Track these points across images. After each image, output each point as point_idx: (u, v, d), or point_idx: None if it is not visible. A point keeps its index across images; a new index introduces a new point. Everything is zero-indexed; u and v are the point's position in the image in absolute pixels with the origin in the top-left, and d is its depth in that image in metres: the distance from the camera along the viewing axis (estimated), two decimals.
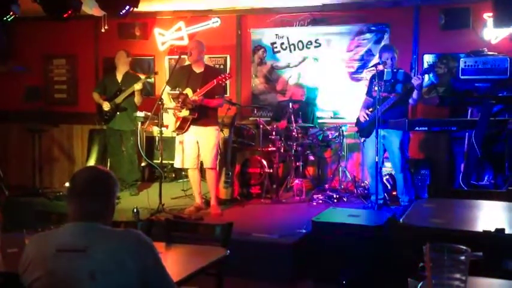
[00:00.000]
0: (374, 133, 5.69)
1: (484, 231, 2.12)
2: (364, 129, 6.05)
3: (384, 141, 5.95)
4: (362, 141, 6.16)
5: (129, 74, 7.12)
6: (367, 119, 6.00)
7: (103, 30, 6.89)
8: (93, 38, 8.53)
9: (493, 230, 2.11)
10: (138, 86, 6.83)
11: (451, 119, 6.09)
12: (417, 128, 5.19)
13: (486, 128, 5.08)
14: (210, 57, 8.00)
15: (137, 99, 6.97)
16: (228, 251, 2.92)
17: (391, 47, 6.21)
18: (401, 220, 2.42)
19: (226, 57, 8.07)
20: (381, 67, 5.90)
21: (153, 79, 8.16)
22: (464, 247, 1.56)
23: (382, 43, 7.10)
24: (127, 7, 4.89)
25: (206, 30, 7.96)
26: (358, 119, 6.25)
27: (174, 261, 2.79)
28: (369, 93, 6.21)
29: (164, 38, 8.19)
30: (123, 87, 6.97)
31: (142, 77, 7.12)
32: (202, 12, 8.00)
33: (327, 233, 4.67)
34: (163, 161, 6.64)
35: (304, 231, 5.13)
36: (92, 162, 8.24)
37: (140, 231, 2.27)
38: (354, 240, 4.52)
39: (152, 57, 8.38)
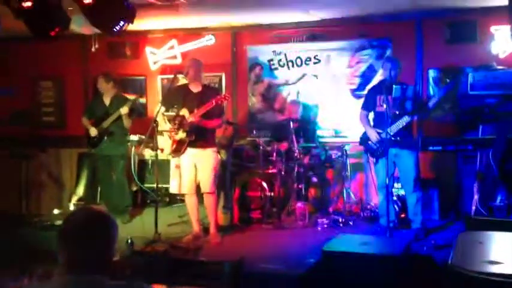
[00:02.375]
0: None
1: None
2: (376, 150, 5.68)
3: (395, 159, 5.61)
4: (374, 161, 5.78)
5: (117, 97, 6.69)
6: (379, 138, 5.64)
7: (93, 50, 6.55)
8: (81, 58, 8.20)
9: None
10: (124, 111, 6.40)
11: (467, 137, 5.76)
12: (431, 148, 4.85)
13: (504, 146, 4.77)
14: (204, 76, 7.64)
15: (126, 122, 6.56)
16: None
17: (393, 58, 5.93)
18: (452, 262, 2.07)
19: (221, 76, 7.76)
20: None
21: (144, 99, 7.82)
22: None
23: None
24: (121, 23, 4.52)
25: (200, 48, 7.67)
26: (364, 138, 5.89)
27: None
28: (368, 107, 5.87)
29: (156, 57, 7.87)
30: (110, 110, 6.59)
31: (131, 97, 6.75)
32: (196, 29, 7.71)
33: (339, 264, 4.28)
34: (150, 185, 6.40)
35: (312, 260, 4.75)
36: (81, 187, 7.89)
37: (144, 284, 1.89)
38: (369, 271, 4.15)
39: (144, 77, 8.05)
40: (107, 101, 6.70)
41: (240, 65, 7.69)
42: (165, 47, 7.80)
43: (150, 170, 7.49)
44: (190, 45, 7.69)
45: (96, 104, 6.81)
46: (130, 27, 7.55)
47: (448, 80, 6.60)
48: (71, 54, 8.18)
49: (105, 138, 6.61)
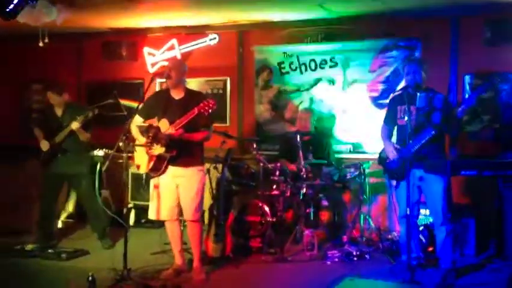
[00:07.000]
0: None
1: None
2: (394, 170, 4.67)
3: (421, 183, 4.58)
4: (394, 184, 4.77)
5: (70, 106, 5.77)
6: (396, 155, 4.63)
7: (41, 44, 5.81)
8: (75, 60, 7.48)
9: None
10: (75, 126, 5.49)
11: (508, 159, 4.70)
12: (463, 172, 3.81)
13: None
14: (207, 81, 6.93)
15: (82, 137, 5.64)
16: None
17: (417, 60, 4.96)
18: None
19: (226, 80, 6.94)
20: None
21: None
22: None
23: None
24: (15, 1, 3.58)
25: (202, 48, 6.90)
26: (382, 155, 4.89)
27: None
28: (389, 120, 4.88)
29: (155, 59, 7.09)
30: (64, 122, 5.67)
31: (89, 108, 5.80)
32: (198, 28, 6.93)
33: None
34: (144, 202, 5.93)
35: None
36: (71, 203, 7.12)
37: None
38: None
39: (142, 80, 7.26)
40: (58, 111, 5.76)
41: (247, 68, 6.85)
42: (165, 47, 7.00)
43: (144, 185, 6.64)
44: (192, 45, 6.88)
45: (48, 115, 5.86)
46: (127, 25, 6.88)
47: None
48: (64, 56, 7.50)
49: (59, 155, 5.75)
